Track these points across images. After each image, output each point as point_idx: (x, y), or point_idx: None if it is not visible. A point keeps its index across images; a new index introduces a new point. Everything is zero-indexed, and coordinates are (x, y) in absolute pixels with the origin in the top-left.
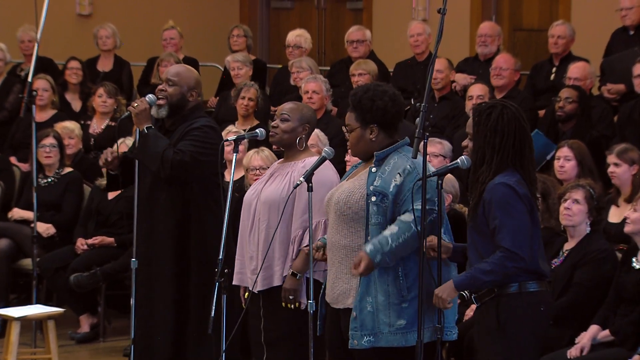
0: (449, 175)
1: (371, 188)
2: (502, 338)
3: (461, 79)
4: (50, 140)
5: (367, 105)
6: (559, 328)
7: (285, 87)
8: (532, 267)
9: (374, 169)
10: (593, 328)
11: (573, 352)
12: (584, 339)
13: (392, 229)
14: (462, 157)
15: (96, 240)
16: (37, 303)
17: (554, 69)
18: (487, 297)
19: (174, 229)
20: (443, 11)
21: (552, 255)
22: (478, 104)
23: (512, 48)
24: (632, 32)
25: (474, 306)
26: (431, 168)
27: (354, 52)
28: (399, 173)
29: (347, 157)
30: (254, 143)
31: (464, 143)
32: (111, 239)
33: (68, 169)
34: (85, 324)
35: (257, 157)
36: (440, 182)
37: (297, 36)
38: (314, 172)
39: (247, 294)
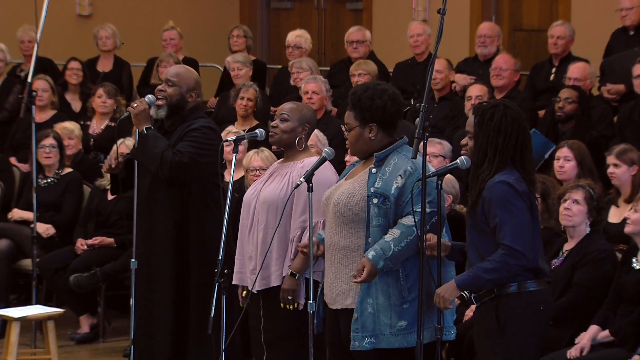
0: (449, 176)
1: (372, 190)
2: (502, 338)
3: (461, 79)
4: (50, 141)
5: (366, 104)
6: (559, 328)
7: (285, 87)
8: (533, 264)
9: (374, 170)
10: (593, 328)
11: (573, 352)
12: (584, 339)
13: (394, 233)
14: (462, 157)
15: (96, 240)
16: (37, 303)
17: (553, 69)
18: (487, 297)
19: (174, 229)
20: (443, 11)
21: (552, 255)
22: (479, 104)
23: (512, 48)
24: (632, 33)
25: (473, 306)
26: (431, 168)
27: (353, 53)
28: (400, 175)
29: (347, 158)
30: (254, 143)
31: (463, 141)
32: (111, 240)
33: (68, 170)
34: (85, 325)
35: (257, 157)
36: (440, 182)
37: (297, 36)
38: (314, 173)
39: (245, 292)
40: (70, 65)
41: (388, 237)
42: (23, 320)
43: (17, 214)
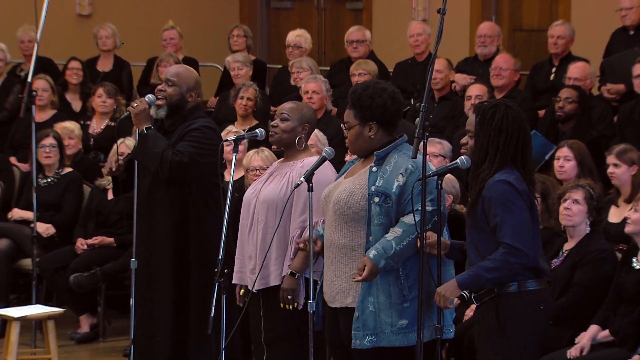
0: (449, 175)
1: (373, 188)
2: (502, 337)
3: (461, 79)
4: (50, 141)
5: (366, 102)
6: (559, 328)
7: (285, 87)
8: (533, 263)
9: (374, 169)
10: (593, 328)
11: (573, 352)
12: (584, 339)
13: (396, 231)
14: (462, 157)
15: (96, 240)
16: (37, 303)
17: (553, 69)
18: (487, 297)
19: (174, 229)
20: (443, 11)
21: (552, 255)
22: (481, 103)
23: (512, 48)
24: (632, 32)
25: (473, 306)
26: (432, 167)
27: (353, 52)
28: (401, 173)
29: (347, 157)
30: (254, 143)
31: (463, 140)
32: (111, 239)
33: (68, 169)
34: (85, 324)
35: (257, 157)
36: (440, 182)
37: (297, 36)
38: (314, 172)
39: (242, 291)
40: (70, 65)
41: (390, 235)
42: (23, 320)
43: (17, 213)
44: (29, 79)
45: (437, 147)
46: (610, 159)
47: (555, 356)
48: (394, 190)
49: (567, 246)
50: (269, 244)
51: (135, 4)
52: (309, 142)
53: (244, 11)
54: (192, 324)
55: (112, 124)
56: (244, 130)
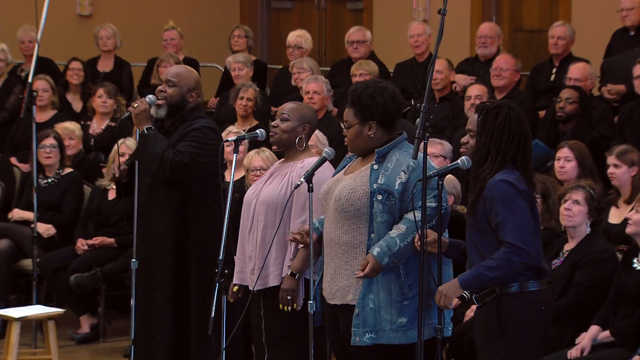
0: (450, 176)
1: (375, 186)
2: (503, 338)
3: (461, 79)
4: (50, 141)
5: (366, 101)
6: (559, 328)
7: (286, 87)
8: (535, 263)
9: (375, 166)
10: (593, 329)
11: (573, 352)
12: (584, 340)
13: (400, 228)
14: (463, 157)
15: (96, 240)
16: (37, 303)
17: (554, 70)
18: (488, 297)
19: (174, 229)
20: (443, 12)
21: (552, 255)
22: (483, 103)
23: (513, 49)
24: (632, 33)
25: (474, 306)
26: (432, 165)
27: (354, 53)
28: (403, 170)
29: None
30: (255, 143)
31: (464, 139)
32: (111, 240)
33: (68, 170)
34: (85, 325)
35: (257, 157)
36: (440, 182)
37: (298, 37)
38: (314, 173)
39: (235, 288)
40: (71, 65)
41: (393, 232)
42: (23, 320)
43: (17, 214)
44: (30, 80)
45: (437, 147)
46: (611, 160)
47: (555, 357)
48: (396, 187)
49: (568, 247)
50: (269, 244)
51: (135, 4)
52: (309, 143)
53: (244, 11)
54: (192, 324)
55: (113, 124)
56: (244, 130)
